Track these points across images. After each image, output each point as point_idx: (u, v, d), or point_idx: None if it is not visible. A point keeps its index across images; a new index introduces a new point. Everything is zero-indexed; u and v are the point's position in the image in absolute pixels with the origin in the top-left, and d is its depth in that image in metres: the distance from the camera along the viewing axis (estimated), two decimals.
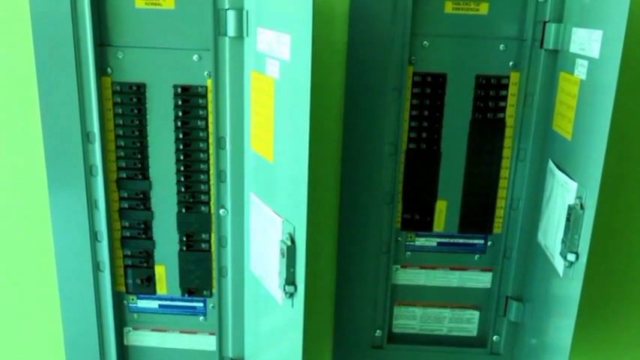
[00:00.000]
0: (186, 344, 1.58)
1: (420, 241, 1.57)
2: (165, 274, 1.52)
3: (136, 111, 1.41)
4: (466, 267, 1.59)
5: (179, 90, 1.39)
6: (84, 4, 1.32)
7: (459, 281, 1.60)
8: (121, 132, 1.42)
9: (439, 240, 1.57)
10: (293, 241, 1.20)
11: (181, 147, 1.42)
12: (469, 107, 1.47)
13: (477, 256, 1.57)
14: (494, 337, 1.62)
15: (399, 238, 1.57)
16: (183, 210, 1.47)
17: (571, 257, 1.20)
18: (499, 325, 1.61)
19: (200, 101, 1.40)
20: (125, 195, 1.47)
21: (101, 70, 1.38)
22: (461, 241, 1.57)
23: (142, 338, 1.58)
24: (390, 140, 1.48)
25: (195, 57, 1.37)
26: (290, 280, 1.21)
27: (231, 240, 1.47)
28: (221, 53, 1.35)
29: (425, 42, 1.43)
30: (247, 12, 1.30)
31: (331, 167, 1.53)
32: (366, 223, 1.53)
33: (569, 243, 1.21)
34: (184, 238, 1.49)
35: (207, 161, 1.43)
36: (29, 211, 1.60)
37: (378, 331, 1.62)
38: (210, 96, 1.38)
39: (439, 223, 1.55)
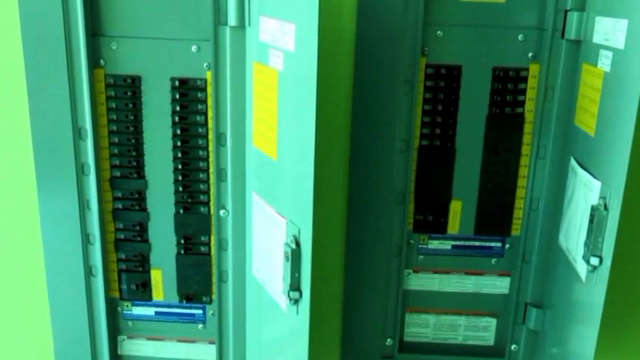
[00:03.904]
0: (185, 354, 1.59)
1: (434, 244, 1.58)
2: (162, 279, 1.53)
3: (130, 105, 1.41)
4: (482, 271, 1.59)
5: (177, 83, 1.40)
6: None
7: (474, 287, 1.60)
8: (114, 128, 1.43)
9: (454, 243, 1.57)
10: (298, 243, 1.20)
11: (179, 144, 1.43)
12: (486, 101, 1.47)
13: (494, 260, 1.58)
14: (513, 347, 1.62)
15: (411, 241, 1.57)
16: (181, 211, 1.47)
17: (594, 261, 1.21)
18: (518, 334, 1.61)
19: (199, 95, 1.40)
20: (119, 195, 1.47)
21: (94, 61, 1.39)
22: (477, 243, 1.57)
23: (137, 347, 1.59)
24: (401, 136, 1.48)
25: (193, 48, 1.38)
26: (295, 286, 1.21)
27: (232, 243, 1.47)
28: (221, 44, 1.36)
29: (439, 32, 1.44)
30: (249, 0, 1.31)
31: (339, 165, 1.54)
32: (375, 225, 1.54)
33: (592, 246, 1.22)
34: (182, 241, 1.50)
35: (206, 159, 1.44)
36: (17, 212, 1.61)
37: (388, 339, 1.62)
38: (209, 89, 1.39)
39: (454, 225, 1.56)
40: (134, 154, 1.44)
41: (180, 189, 1.46)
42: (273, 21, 1.22)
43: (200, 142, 1.43)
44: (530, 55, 1.44)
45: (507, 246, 1.57)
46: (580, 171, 1.32)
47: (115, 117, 1.42)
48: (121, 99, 1.41)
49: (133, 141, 1.43)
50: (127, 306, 1.56)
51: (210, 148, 1.42)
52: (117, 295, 1.54)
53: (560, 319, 1.44)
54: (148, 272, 1.52)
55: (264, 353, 1.47)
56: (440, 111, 1.48)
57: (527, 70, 1.45)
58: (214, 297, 1.52)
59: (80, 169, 1.42)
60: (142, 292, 1.53)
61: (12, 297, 1.70)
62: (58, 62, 1.36)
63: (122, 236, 1.50)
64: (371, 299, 1.59)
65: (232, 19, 1.33)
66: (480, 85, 1.46)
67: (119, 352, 1.59)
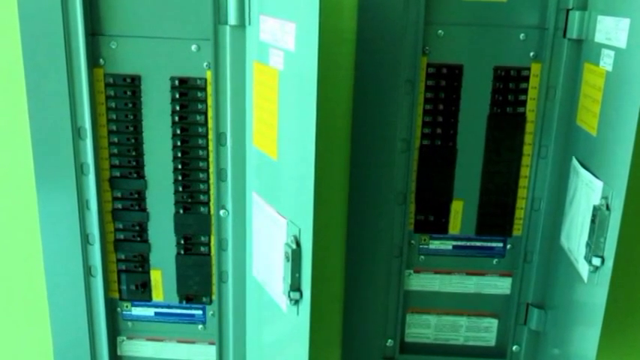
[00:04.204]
0: (185, 355, 1.59)
1: (435, 245, 1.58)
2: (162, 279, 1.53)
3: (130, 105, 1.42)
4: (484, 272, 1.59)
5: (176, 82, 1.40)
6: None
7: (476, 287, 1.60)
8: (114, 127, 1.43)
9: (455, 243, 1.58)
10: (298, 244, 1.20)
11: (179, 143, 1.43)
12: (487, 101, 1.47)
13: (495, 261, 1.58)
14: (514, 347, 1.62)
15: (412, 241, 1.58)
16: (181, 211, 1.48)
17: (596, 261, 1.21)
18: (519, 335, 1.61)
19: (199, 94, 1.41)
20: (119, 195, 1.48)
21: (93, 61, 1.39)
22: (478, 244, 1.57)
23: (136, 348, 1.59)
24: (402, 136, 1.48)
25: (193, 47, 1.38)
26: (295, 286, 1.22)
27: (232, 243, 1.47)
28: (221, 43, 1.36)
29: (440, 31, 1.44)
30: None
31: (339, 165, 1.54)
32: (376, 225, 1.54)
33: (594, 246, 1.22)
34: (182, 241, 1.50)
35: (206, 159, 1.44)
36: (16, 212, 1.61)
37: (389, 340, 1.63)
38: (209, 89, 1.39)
39: (455, 225, 1.56)
40: (134, 153, 1.44)
41: (180, 189, 1.46)
42: (274, 20, 1.22)
43: (200, 141, 1.43)
44: (531, 54, 1.44)
45: (509, 246, 1.57)
46: (582, 171, 1.32)
47: (114, 116, 1.42)
48: (121, 98, 1.41)
49: (133, 141, 1.44)
50: (127, 306, 1.56)
51: (210, 147, 1.42)
52: (116, 295, 1.54)
53: (562, 320, 1.44)
54: (148, 273, 1.52)
55: (265, 354, 1.47)
56: (441, 110, 1.48)
57: (528, 69, 1.45)
58: (214, 297, 1.52)
59: (79, 169, 1.42)
60: (142, 292, 1.53)
61: (11, 297, 1.70)
62: (57, 61, 1.36)
63: (122, 236, 1.50)
64: (372, 300, 1.59)
65: (232, 18, 1.33)
66: (482, 85, 1.46)
67: (119, 353, 1.59)
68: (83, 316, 1.51)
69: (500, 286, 1.60)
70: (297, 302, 1.23)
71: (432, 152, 1.51)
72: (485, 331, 1.64)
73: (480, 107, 1.48)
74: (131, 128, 1.43)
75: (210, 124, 1.41)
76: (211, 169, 1.44)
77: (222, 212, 1.46)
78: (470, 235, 1.56)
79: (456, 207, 1.54)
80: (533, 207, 1.52)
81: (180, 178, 1.45)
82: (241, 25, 1.33)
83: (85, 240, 1.47)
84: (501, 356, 1.64)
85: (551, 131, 1.46)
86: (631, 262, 1.63)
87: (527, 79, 1.45)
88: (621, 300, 1.66)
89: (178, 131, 1.42)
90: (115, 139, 1.44)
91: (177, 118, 1.42)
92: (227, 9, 1.33)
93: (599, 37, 1.29)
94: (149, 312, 1.56)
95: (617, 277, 1.18)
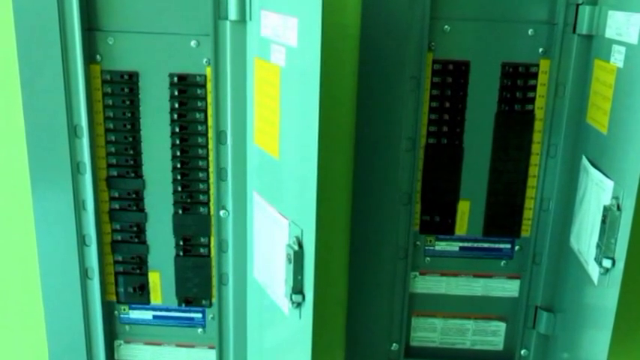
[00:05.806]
0: (184, 359, 1.59)
1: (441, 246, 1.58)
2: (160, 281, 1.53)
3: (127, 102, 1.42)
4: (491, 274, 1.59)
5: (175, 79, 1.40)
6: None
7: (483, 289, 1.60)
8: (111, 125, 1.43)
9: (461, 244, 1.58)
10: (301, 245, 1.20)
11: (178, 142, 1.43)
12: (494, 98, 1.47)
13: (503, 262, 1.58)
14: (523, 351, 1.62)
15: (418, 243, 1.58)
16: (180, 211, 1.48)
17: (607, 263, 1.21)
18: (528, 338, 1.61)
19: (198, 91, 1.41)
20: (116, 195, 1.48)
21: (90, 57, 1.39)
22: (485, 245, 1.57)
23: (134, 352, 1.59)
24: (407, 135, 1.48)
25: (193, 43, 1.38)
26: (297, 289, 1.21)
27: (233, 244, 1.47)
28: (221, 39, 1.36)
29: (446, 26, 1.44)
30: None
31: (343, 164, 1.54)
32: (381, 226, 1.54)
33: (604, 247, 1.22)
34: (181, 242, 1.50)
35: (206, 158, 1.44)
36: (10, 213, 1.61)
37: (394, 344, 1.63)
38: (209, 86, 1.39)
39: (461, 226, 1.56)
40: (131, 152, 1.44)
41: (179, 189, 1.46)
42: (275, 15, 1.22)
43: (200, 140, 1.43)
44: (540, 50, 1.44)
45: (517, 247, 1.57)
46: (592, 170, 1.32)
47: (111, 114, 1.43)
48: (118, 96, 1.41)
49: (131, 139, 1.44)
50: (124, 309, 1.56)
51: (210, 146, 1.42)
52: (114, 298, 1.55)
53: (572, 323, 1.44)
54: (146, 275, 1.53)
55: (266, 358, 1.47)
56: (447, 108, 1.49)
57: (537, 65, 1.45)
58: (214, 300, 1.52)
59: (76, 168, 1.42)
60: (140, 295, 1.53)
61: (5, 300, 1.70)
62: (52, 57, 1.36)
63: (119, 237, 1.50)
64: (376, 303, 1.59)
65: (233, 13, 1.33)
66: (489, 82, 1.46)
67: (116, 357, 1.59)
68: (79, 320, 1.51)
69: (508, 288, 1.60)
70: (299, 305, 1.23)
71: (438, 151, 1.51)
72: (492, 335, 1.64)
73: (488, 105, 1.48)
74: (129, 126, 1.43)
75: (210, 122, 1.41)
76: (211, 169, 1.44)
77: (222, 212, 1.46)
78: (477, 236, 1.56)
79: (463, 207, 1.54)
80: (542, 207, 1.52)
81: (179, 177, 1.45)
82: (242, 20, 1.33)
83: (82, 241, 1.47)
84: None
85: (561, 129, 1.46)
86: None
87: (535, 75, 1.45)
88: (632, 302, 1.66)
89: (177, 129, 1.43)
90: (112, 138, 1.44)
91: (176, 116, 1.42)
92: (227, 4, 1.33)
93: (609, 33, 1.29)
94: (147, 315, 1.56)
95: (628, 279, 1.18)
